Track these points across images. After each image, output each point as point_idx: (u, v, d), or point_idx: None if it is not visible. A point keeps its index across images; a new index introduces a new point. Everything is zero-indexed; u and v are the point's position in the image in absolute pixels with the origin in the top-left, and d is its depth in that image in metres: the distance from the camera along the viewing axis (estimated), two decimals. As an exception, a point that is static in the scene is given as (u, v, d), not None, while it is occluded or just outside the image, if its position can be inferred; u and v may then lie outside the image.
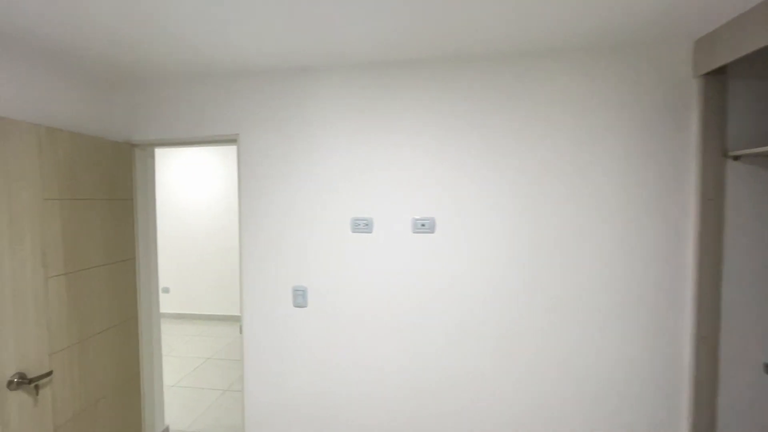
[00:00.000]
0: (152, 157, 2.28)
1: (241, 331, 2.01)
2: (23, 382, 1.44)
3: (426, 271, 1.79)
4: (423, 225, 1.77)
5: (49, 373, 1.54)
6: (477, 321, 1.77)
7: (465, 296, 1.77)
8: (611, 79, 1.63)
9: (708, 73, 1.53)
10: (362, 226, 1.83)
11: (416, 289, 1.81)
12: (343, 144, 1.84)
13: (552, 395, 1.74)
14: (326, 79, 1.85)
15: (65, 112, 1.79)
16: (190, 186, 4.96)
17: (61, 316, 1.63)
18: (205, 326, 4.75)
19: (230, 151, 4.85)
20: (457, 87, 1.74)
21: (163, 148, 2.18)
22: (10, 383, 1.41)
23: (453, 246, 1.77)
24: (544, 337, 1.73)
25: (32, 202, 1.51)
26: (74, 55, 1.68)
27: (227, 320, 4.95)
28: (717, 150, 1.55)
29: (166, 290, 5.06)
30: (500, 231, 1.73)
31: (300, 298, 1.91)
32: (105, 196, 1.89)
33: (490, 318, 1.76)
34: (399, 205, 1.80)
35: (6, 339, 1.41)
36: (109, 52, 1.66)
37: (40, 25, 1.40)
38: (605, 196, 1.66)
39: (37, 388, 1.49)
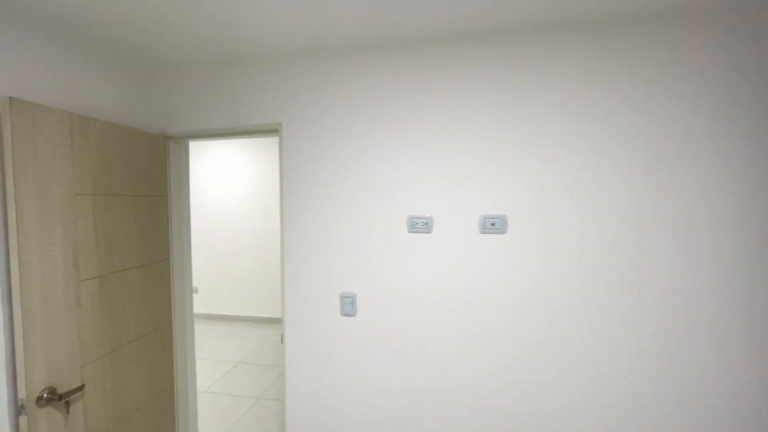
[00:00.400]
0: (186, 151, 2.14)
1: (282, 341, 1.83)
2: (53, 398, 1.29)
3: (496, 277, 1.55)
4: (493, 224, 1.53)
5: (81, 387, 1.39)
6: (563, 338, 1.51)
7: (547, 308, 1.52)
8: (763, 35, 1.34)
9: None
10: (420, 225, 1.61)
11: (485, 299, 1.57)
12: (399, 132, 1.62)
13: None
14: (378, 61, 1.63)
15: (97, 101, 1.65)
16: (217, 183, 4.88)
17: (94, 323, 1.49)
18: (234, 327, 4.65)
19: (257, 146, 4.74)
20: (537, 60, 1.49)
21: (198, 141, 2.03)
22: (39, 399, 1.27)
23: (529, 248, 1.52)
24: (661, 367, 1.46)
25: (63, 197, 1.37)
26: (107, 38, 1.53)
27: (256, 321, 4.84)
28: None
29: (195, 290, 5.00)
30: (591, 231, 1.47)
31: (348, 305, 1.70)
32: (139, 192, 1.74)
33: (580, 335, 1.50)
34: (464, 201, 1.57)
35: (35, 351, 1.26)
36: (143, 36, 1.50)
37: (69, 5, 1.26)
38: (749, 184, 1.36)
39: (68, 404, 1.34)
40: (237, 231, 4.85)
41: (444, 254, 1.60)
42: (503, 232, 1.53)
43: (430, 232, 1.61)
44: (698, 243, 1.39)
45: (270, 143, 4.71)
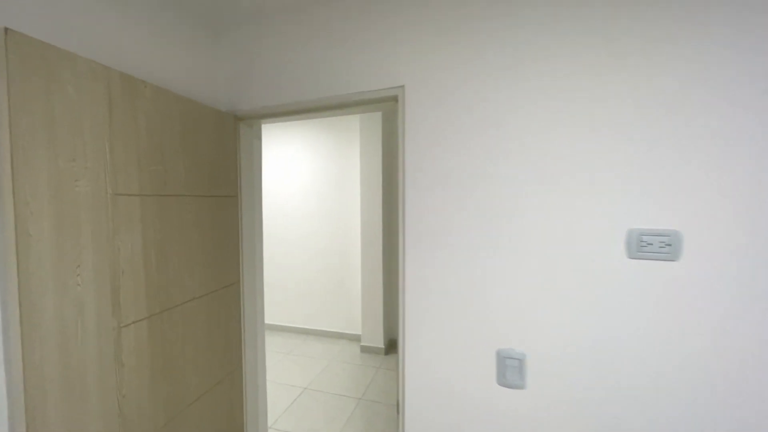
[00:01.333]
0: (259, 136, 1.63)
1: (398, 411, 1.24)
2: None
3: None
4: (826, 249, 0.81)
5: (119, 498, 0.89)
6: None
7: None
8: None
9: None
10: (656, 246, 0.93)
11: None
12: (608, 89, 0.96)
13: None
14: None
15: (146, 62, 1.16)
16: (275, 179, 4.48)
17: (141, 388, 0.99)
18: (295, 341, 4.22)
19: (322, 135, 4.27)
20: None
21: (274, 121, 1.52)
22: None
23: None
24: None
25: (95, 197, 0.88)
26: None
27: (318, 335, 4.38)
28: None
29: (255, 297, 4.66)
30: None
31: (513, 372, 1.07)
32: (202, 190, 1.24)
33: None
34: (743, 205, 0.87)
35: (46, 450, 0.77)
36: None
37: None
38: None
39: None
40: (298, 234, 4.43)
41: (706, 301, 0.90)
42: None
43: (674, 260, 0.92)
44: None
45: (335, 130, 4.22)
